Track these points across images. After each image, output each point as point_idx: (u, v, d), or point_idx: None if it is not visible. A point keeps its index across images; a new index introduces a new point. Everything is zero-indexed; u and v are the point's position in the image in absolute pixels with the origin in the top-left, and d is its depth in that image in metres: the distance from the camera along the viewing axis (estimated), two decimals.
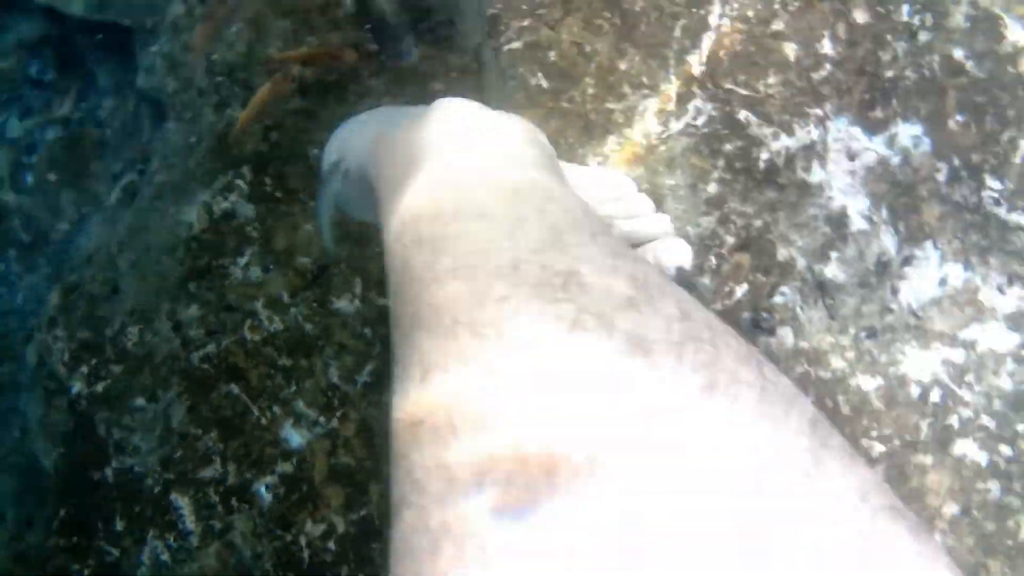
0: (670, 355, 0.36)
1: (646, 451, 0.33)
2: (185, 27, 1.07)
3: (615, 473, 0.32)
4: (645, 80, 0.89)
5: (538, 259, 0.42)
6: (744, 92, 0.88)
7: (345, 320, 0.97)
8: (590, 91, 0.90)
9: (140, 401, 1.03)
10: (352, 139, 0.70)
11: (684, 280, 0.86)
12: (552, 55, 0.91)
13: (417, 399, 0.37)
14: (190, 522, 0.98)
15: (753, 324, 0.89)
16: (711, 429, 0.34)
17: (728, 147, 0.88)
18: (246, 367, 0.98)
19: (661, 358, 0.36)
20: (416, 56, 0.88)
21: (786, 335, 0.90)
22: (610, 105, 0.90)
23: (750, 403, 0.36)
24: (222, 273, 1.00)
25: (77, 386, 1.06)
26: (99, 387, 1.05)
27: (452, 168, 0.52)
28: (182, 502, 0.99)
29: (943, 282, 0.89)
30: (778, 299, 0.90)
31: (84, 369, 1.06)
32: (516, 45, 0.92)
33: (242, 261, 0.99)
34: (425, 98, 0.95)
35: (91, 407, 1.05)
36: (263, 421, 0.97)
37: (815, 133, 0.88)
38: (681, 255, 0.85)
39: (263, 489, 0.97)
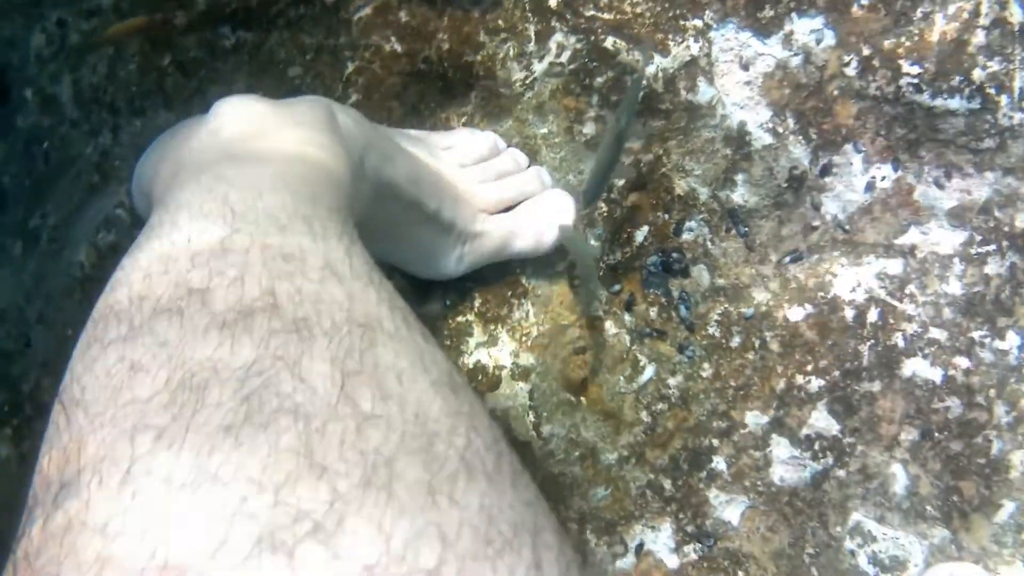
0: None
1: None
2: (49, 58, 1.02)
3: None
4: (501, 23, 0.81)
5: None
6: (608, 16, 0.79)
7: None
8: (445, 47, 0.82)
9: None
10: (148, 156, 0.66)
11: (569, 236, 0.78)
12: (403, 15, 0.83)
13: None
14: None
15: (664, 268, 0.81)
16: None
17: (599, 80, 0.80)
18: None
19: None
20: None
21: (701, 273, 0.81)
22: (468, 58, 0.82)
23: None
24: None
25: (5, 450, 1.02)
26: (25, 447, 1.01)
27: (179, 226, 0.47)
28: None
29: (870, 186, 0.80)
30: (686, 236, 0.82)
31: (8, 431, 1.02)
32: (366, 12, 0.84)
33: None
34: (283, 88, 0.89)
35: (20, 470, 1.01)
36: None
37: (695, 47, 0.79)
38: (563, 208, 0.78)
39: None
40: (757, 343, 0.80)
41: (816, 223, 0.80)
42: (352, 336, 0.36)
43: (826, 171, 0.80)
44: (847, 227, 0.80)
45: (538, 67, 0.81)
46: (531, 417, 0.80)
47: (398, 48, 0.83)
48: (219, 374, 0.34)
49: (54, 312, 1.00)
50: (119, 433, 0.32)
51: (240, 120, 0.54)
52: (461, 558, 0.29)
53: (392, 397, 0.34)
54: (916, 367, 0.78)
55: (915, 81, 0.78)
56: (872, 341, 0.78)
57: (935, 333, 0.78)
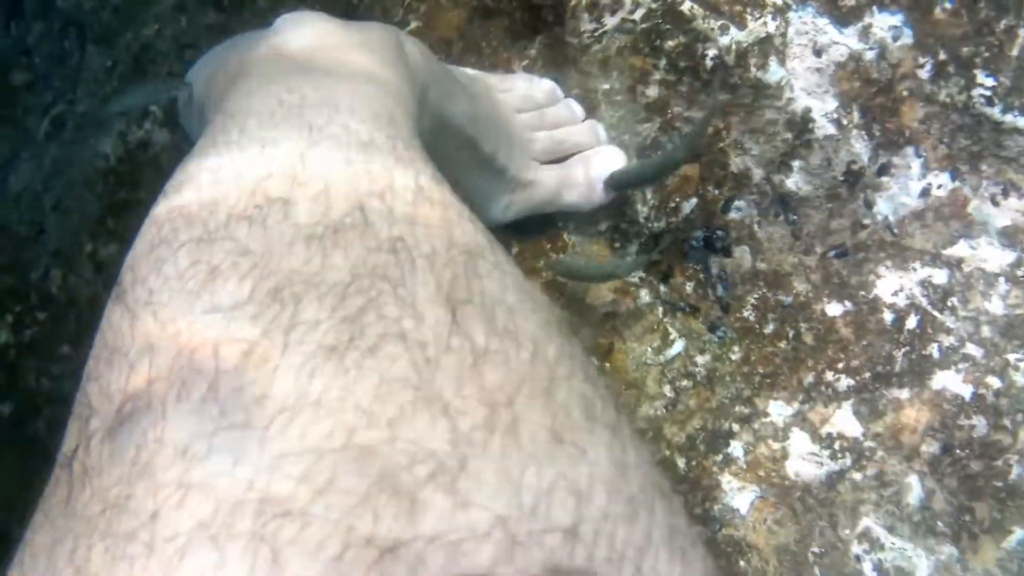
0: None
1: None
2: None
3: None
4: None
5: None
6: None
7: None
8: None
9: (66, 349, 0.97)
10: (203, 67, 0.63)
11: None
12: None
13: None
14: None
15: (706, 244, 0.80)
16: None
17: (670, 44, 0.77)
18: None
19: None
20: None
21: (743, 255, 0.80)
22: (538, 1, 0.80)
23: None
24: (139, 208, 0.93)
25: (4, 335, 1.00)
26: (26, 336, 0.99)
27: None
28: None
29: (925, 193, 0.78)
30: (733, 215, 0.80)
31: (10, 318, 1.00)
32: None
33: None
34: (341, 5, 0.86)
35: (20, 358, 0.99)
36: None
37: (772, 25, 0.77)
38: (615, 165, 0.76)
39: None
40: (791, 333, 0.78)
41: (866, 221, 0.79)
42: (456, 264, 0.32)
43: (884, 171, 0.78)
44: (896, 230, 0.78)
45: (610, 21, 0.78)
46: None
47: None
48: (316, 288, 0.30)
49: (72, 201, 0.98)
50: (200, 343, 0.28)
51: (308, 35, 0.51)
52: (597, 518, 0.25)
53: (506, 334, 0.30)
54: (947, 381, 0.76)
55: (988, 93, 0.76)
56: (907, 348, 0.77)
57: (971, 349, 0.77)
